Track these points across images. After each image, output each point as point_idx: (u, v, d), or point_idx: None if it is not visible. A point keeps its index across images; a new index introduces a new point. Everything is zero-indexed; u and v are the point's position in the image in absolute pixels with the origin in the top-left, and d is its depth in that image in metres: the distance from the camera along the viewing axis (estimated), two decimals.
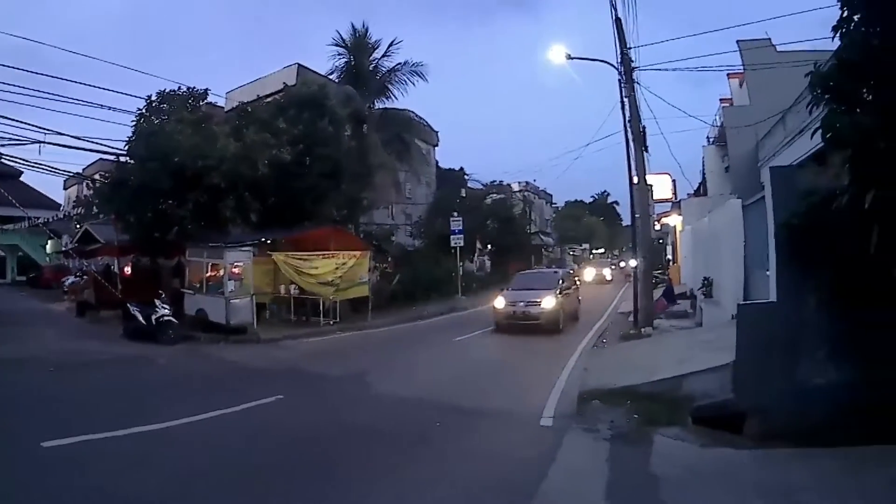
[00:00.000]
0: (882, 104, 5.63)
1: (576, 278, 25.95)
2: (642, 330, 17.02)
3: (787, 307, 7.24)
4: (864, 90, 5.94)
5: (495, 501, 5.89)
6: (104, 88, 20.00)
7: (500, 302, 19.86)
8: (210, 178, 19.71)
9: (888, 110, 5.50)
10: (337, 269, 20.50)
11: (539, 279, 21.87)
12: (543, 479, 6.30)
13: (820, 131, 6.26)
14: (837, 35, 6.01)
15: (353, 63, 31.23)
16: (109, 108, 20.24)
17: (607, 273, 52.50)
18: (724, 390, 8.02)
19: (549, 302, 18.78)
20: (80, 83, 23.77)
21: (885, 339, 6.07)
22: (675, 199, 38.77)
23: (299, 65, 35.40)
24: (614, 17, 17.97)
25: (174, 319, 17.34)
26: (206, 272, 19.66)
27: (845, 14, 5.93)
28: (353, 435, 8.21)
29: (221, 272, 18.85)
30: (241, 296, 18.66)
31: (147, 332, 16.94)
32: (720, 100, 38.30)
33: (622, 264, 59.90)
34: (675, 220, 36.15)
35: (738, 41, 27.29)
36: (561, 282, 21.03)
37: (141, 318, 17.24)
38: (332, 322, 20.63)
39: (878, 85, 5.75)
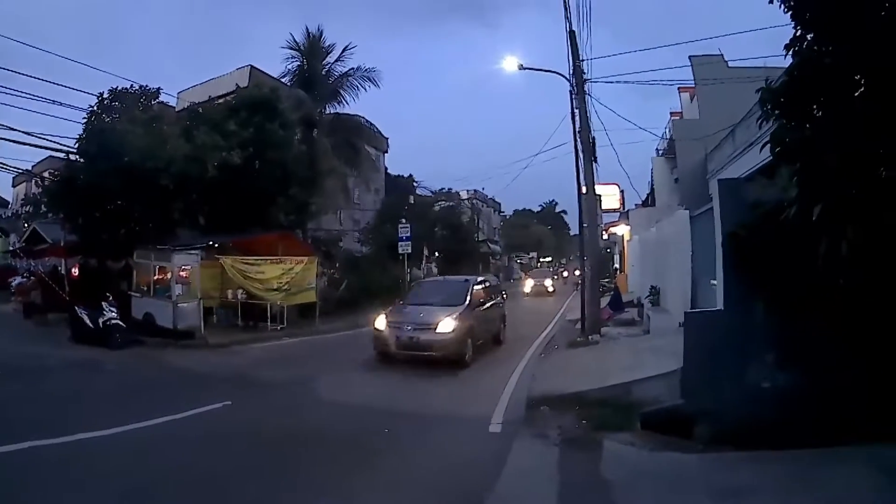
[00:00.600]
0: (832, 121, 5.81)
1: (502, 292, 20.43)
2: (590, 337, 17.17)
3: (734, 315, 7.39)
4: (815, 107, 6.12)
5: None
6: (55, 83, 19.48)
7: (380, 323, 14.83)
8: (159, 180, 19.37)
9: (837, 127, 5.68)
10: (284, 274, 20.37)
11: (441, 290, 16.52)
12: (494, 484, 6.31)
13: (769, 145, 6.44)
14: (790, 53, 6.19)
15: (305, 66, 31.07)
16: (61, 103, 19.78)
17: (549, 284, 46.82)
18: (673, 396, 8.16)
19: (446, 325, 13.88)
20: (30, 76, 23.16)
21: (831, 346, 6.25)
22: (624, 209, 39.45)
23: (252, 67, 35.12)
24: (568, 30, 18.20)
25: (122, 323, 16.99)
26: (154, 275, 19.38)
27: (798, 33, 6.12)
28: (301, 442, 8.11)
29: (169, 275, 18.58)
30: (189, 300, 18.41)
31: (95, 335, 16.55)
32: (670, 113, 39.21)
33: (565, 273, 57.03)
34: (623, 230, 36.83)
35: (690, 56, 27.97)
36: (469, 296, 15.42)
37: (88, 322, 16.83)
38: (279, 328, 20.44)
39: (829, 102, 5.93)
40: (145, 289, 19.67)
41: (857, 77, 5.72)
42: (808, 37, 6.02)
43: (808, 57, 6.04)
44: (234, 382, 12.47)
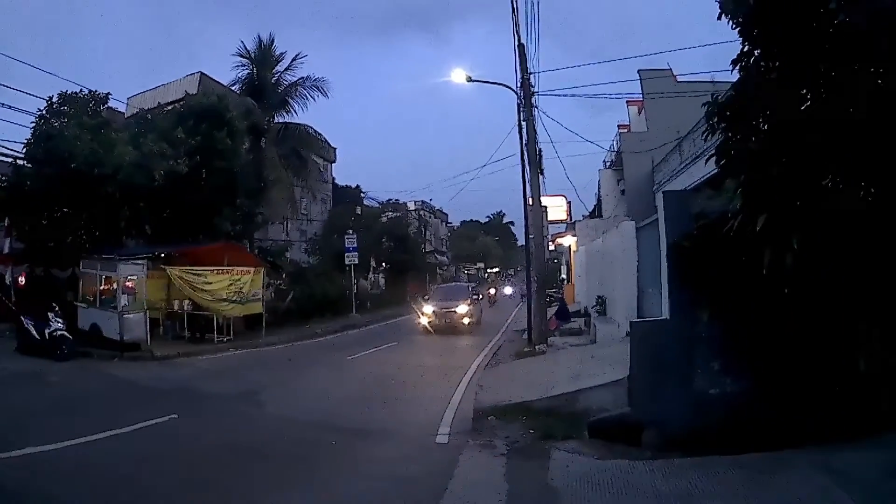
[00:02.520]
0: (776, 134, 5.94)
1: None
2: (536, 347, 17.32)
3: (679, 323, 7.47)
4: (760, 120, 6.26)
5: None
6: (2, 85, 18.91)
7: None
8: (106, 187, 19.00)
9: (782, 140, 5.81)
10: (231, 284, 20.12)
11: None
12: (442, 495, 6.24)
13: (714, 158, 6.57)
14: (736, 68, 6.33)
15: (255, 75, 30.83)
16: (9, 107, 19.21)
17: (462, 311, 25.89)
18: (620, 404, 8.23)
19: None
20: None
21: (776, 353, 6.36)
22: (570, 220, 39.97)
23: (202, 74, 34.75)
24: (517, 43, 18.42)
25: (68, 334, 16.56)
26: (100, 285, 18.95)
27: (745, 48, 6.27)
28: (247, 457, 7.92)
29: (115, 285, 18.21)
30: (135, 311, 18.08)
31: (41, 346, 16.12)
32: (618, 125, 39.89)
33: (492, 291, 51.71)
34: (569, 241, 37.21)
35: (639, 70, 28.72)
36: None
37: (34, 333, 16.37)
38: (225, 339, 20.24)
39: (773, 116, 6.07)
40: (91, 299, 19.24)
41: (804, 91, 5.86)
42: (756, 52, 6.16)
43: (755, 72, 6.18)
44: (179, 395, 12.22)
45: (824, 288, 5.76)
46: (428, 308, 26.10)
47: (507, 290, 54.65)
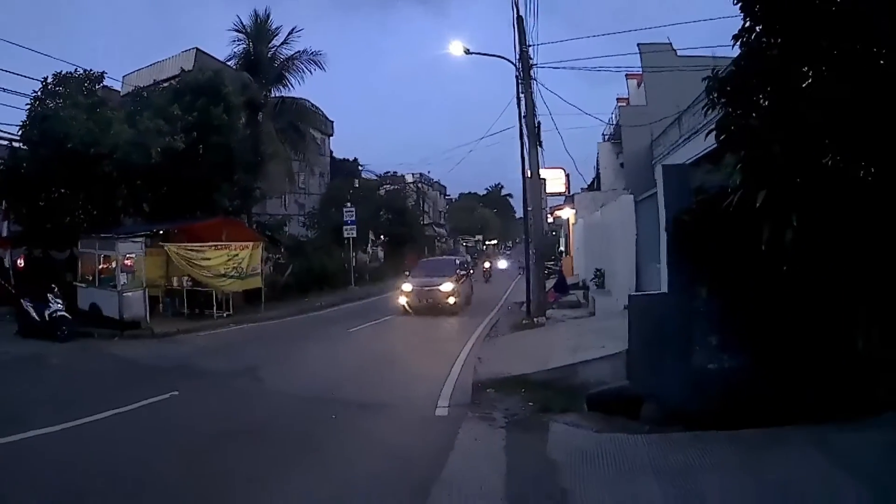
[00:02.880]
0: (777, 111, 5.93)
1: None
2: (535, 320, 17.39)
3: (678, 298, 7.48)
4: (760, 96, 6.24)
5: (395, 492, 5.86)
6: None
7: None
8: (103, 167, 18.98)
9: (782, 117, 5.80)
10: (229, 260, 20.19)
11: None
12: (442, 467, 6.31)
13: (714, 133, 6.56)
14: (738, 43, 6.30)
15: (251, 50, 30.66)
16: (4, 89, 19.20)
17: (447, 288, 22.09)
18: (619, 377, 8.28)
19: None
20: None
21: (774, 327, 6.41)
22: (569, 192, 39.82)
23: (198, 49, 34.61)
24: (515, 16, 18.40)
25: (68, 315, 16.58)
26: (99, 264, 18.91)
27: (747, 24, 6.23)
28: (248, 432, 8.02)
29: (114, 264, 18.21)
30: (134, 289, 18.11)
31: (41, 329, 16.13)
32: (617, 99, 39.70)
33: (486, 264, 44.99)
34: (568, 213, 37.14)
35: (638, 44, 28.43)
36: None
37: (35, 315, 16.35)
38: (225, 314, 20.34)
39: (774, 93, 6.05)
40: (90, 279, 19.19)
41: (805, 69, 5.84)
42: (757, 28, 6.12)
43: (756, 48, 6.15)
44: (180, 373, 12.27)
45: (823, 266, 5.80)
46: (407, 285, 22.57)
47: (502, 264, 50.81)
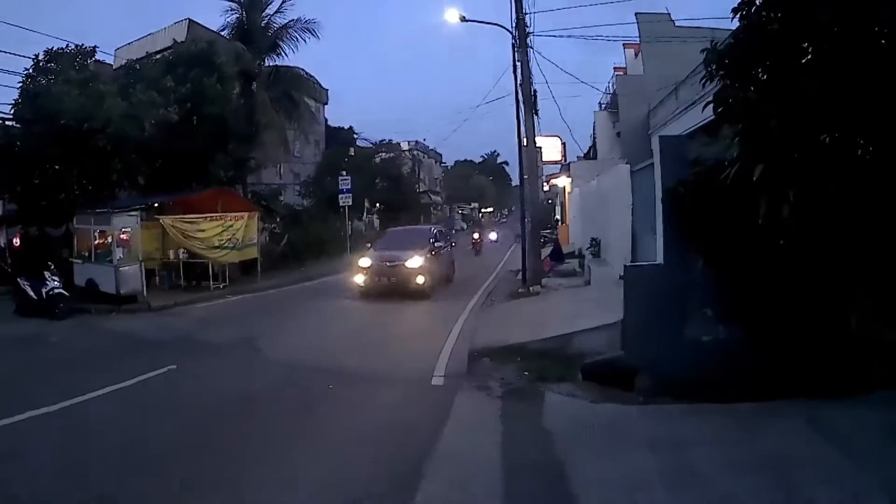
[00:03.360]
0: (775, 85, 5.92)
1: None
2: (531, 288, 17.45)
3: (674, 269, 7.52)
4: (759, 70, 6.22)
5: (392, 462, 5.94)
6: None
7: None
8: (96, 141, 18.81)
9: (781, 91, 5.79)
10: (224, 231, 20.07)
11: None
12: (438, 437, 6.41)
13: (712, 105, 6.54)
14: (737, 17, 6.26)
15: (245, 19, 30.22)
16: None
17: (414, 263, 17.87)
18: (614, 347, 8.35)
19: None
20: None
21: (769, 301, 6.46)
22: (565, 161, 39.81)
23: (190, 20, 34.08)
24: None
25: (65, 292, 16.46)
26: (95, 240, 18.80)
27: None
28: (244, 404, 8.14)
29: (109, 239, 18.14)
30: (130, 263, 17.98)
31: (39, 307, 16.01)
32: (614, 68, 39.45)
33: (475, 236, 39.21)
34: (564, 182, 37.09)
35: (636, 14, 28.24)
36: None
37: (32, 293, 16.21)
38: (221, 286, 20.31)
39: (773, 67, 6.03)
40: (87, 254, 19.07)
41: (805, 45, 5.82)
42: (757, 2, 6.08)
43: (756, 22, 6.11)
44: (177, 346, 12.32)
45: (819, 242, 5.83)
46: (365, 260, 18.27)
47: (492, 236, 45.12)
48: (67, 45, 21.54)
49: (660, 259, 8.14)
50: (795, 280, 6.16)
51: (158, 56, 25.22)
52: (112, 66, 26.75)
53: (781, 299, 6.32)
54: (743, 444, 5.63)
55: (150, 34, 33.47)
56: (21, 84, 20.41)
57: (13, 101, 20.37)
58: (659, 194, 8.08)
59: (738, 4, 6.20)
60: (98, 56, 22.90)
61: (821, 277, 6.03)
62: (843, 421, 5.76)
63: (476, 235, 38.55)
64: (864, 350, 6.04)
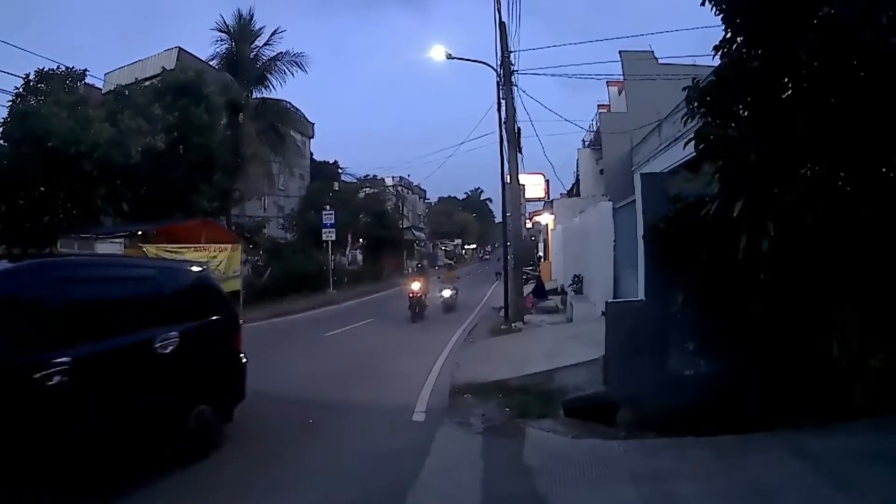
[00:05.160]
0: (756, 121, 6.02)
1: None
2: (513, 325, 17.42)
3: (655, 305, 7.56)
4: (740, 107, 6.32)
5: (373, 496, 5.85)
6: None
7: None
8: (83, 165, 18.80)
9: (761, 127, 5.89)
10: (207, 262, 19.78)
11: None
12: (419, 472, 6.28)
13: (693, 142, 6.62)
14: (719, 54, 6.38)
15: (234, 50, 30.58)
16: None
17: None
18: (595, 383, 8.33)
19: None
20: None
21: (751, 338, 6.47)
22: (548, 198, 40.09)
23: (180, 48, 34.29)
24: (497, 21, 18.40)
25: None
26: None
27: (728, 35, 6.32)
28: (225, 434, 7.94)
29: None
30: None
31: None
32: (598, 105, 39.87)
33: (446, 293, 24.98)
34: (547, 219, 37.34)
35: (620, 51, 28.68)
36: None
37: None
38: None
39: (754, 103, 6.14)
40: None
41: (786, 80, 5.93)
42: (738, 39, 6.21)
43: (737, 59, 6.23)
44: None
45: (800, 274, 5.87)
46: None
47: (445, 293, 24.76)
48: (58, 67, 21.68)
49: (641, 295, 8.17)
50: (776, 312, 6.19)
51: (147, 83, 25.35)
52: (101, 90, 26.84)
53: (763, 332, 6.34)
54: (725, 476, 5.59)
55: (139, 60, 33.65)
56: (10, 103, 20.44)
57: (2, 120, 20.34)
58: (641, 231, 8.12)
59: (720, 42, 6.33)
60: (88, 79, 23.06)
61: (801, 307, 6.06)
62: (826, 449, 5.73)
63: (447, 293, 24.98)
64: (848, 377, 6.04)
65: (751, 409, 6.46)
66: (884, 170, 5.80)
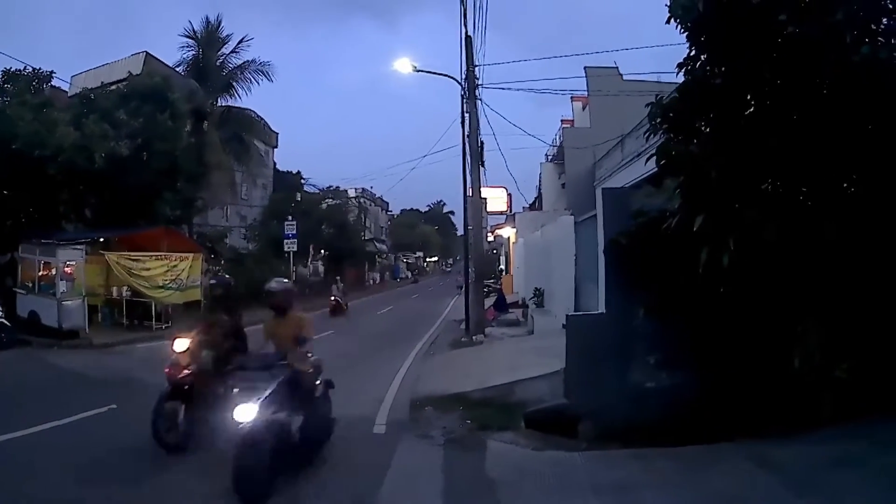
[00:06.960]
0: (717, 137, 6.12)
1: None
2: (474, 338, 17.40)
3: (616, 318, 7.61)
4: (702, 123, 6.42)
5: None
6: None
7: None
8: (47, 169, 18.43)
9: (722, 142, 5.99)
10: (169, 271, 19.82)
11: None
12: (379, 486, 6.24)
13: (655, 157, 6.71)
14: (682, 71, 6.48)
15: (201, 57, 30.44)
16: None
17: None
18: (557, 395, 8.35)
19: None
20: None
21: (712, 350, 6.54)
22: (510, 211, 40.20)
23: (147, 53, 33.82)
24: (464, 35, 18.47)
25: (6, 322, 15.95)
26: (39, 271, 18.35)
27: (692, 53, 6.43)
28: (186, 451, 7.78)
29: (54, 271, 17.68)
30: (73, 297, 17.55)
31: None
32: (562, 120, 40.15)
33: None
34: (509, 232, 37.48)
35: (585, 67, 28.94)
36: None
37: None
38: (164, 326, 19.57)
39: (716, 119, 6.24)
40: (30, 285, 18.58)
41: (748, 97, 6.04)
42: (702, 57, 6.31)
43: (700, 76, 6.33)
44: (119, 385, 11.88)
45: (761, 288, 5.96)
46: None
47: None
48: (25, 68, 21.29)
49: (602, 308, 8.22)
50: (737, 325, 6.27)
51: (113, 87, 24.89)
52: (67, 93, 26.40)
53: (724, 344, 6.41)
54: (689, 486, 5.63)
55: (106, 64, 33.13)
56: None
57: None
58: (602, 245, 8.19)
59: (684, 59, 6.44)
60: (54, 82, 22.76)
61: (763, 321, 6.15)
62: (790, 458, 5.80)
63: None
64: (812, 388, 6.13)
65: (714, 420, 6.52)
66: (844, 185, 5.93)
